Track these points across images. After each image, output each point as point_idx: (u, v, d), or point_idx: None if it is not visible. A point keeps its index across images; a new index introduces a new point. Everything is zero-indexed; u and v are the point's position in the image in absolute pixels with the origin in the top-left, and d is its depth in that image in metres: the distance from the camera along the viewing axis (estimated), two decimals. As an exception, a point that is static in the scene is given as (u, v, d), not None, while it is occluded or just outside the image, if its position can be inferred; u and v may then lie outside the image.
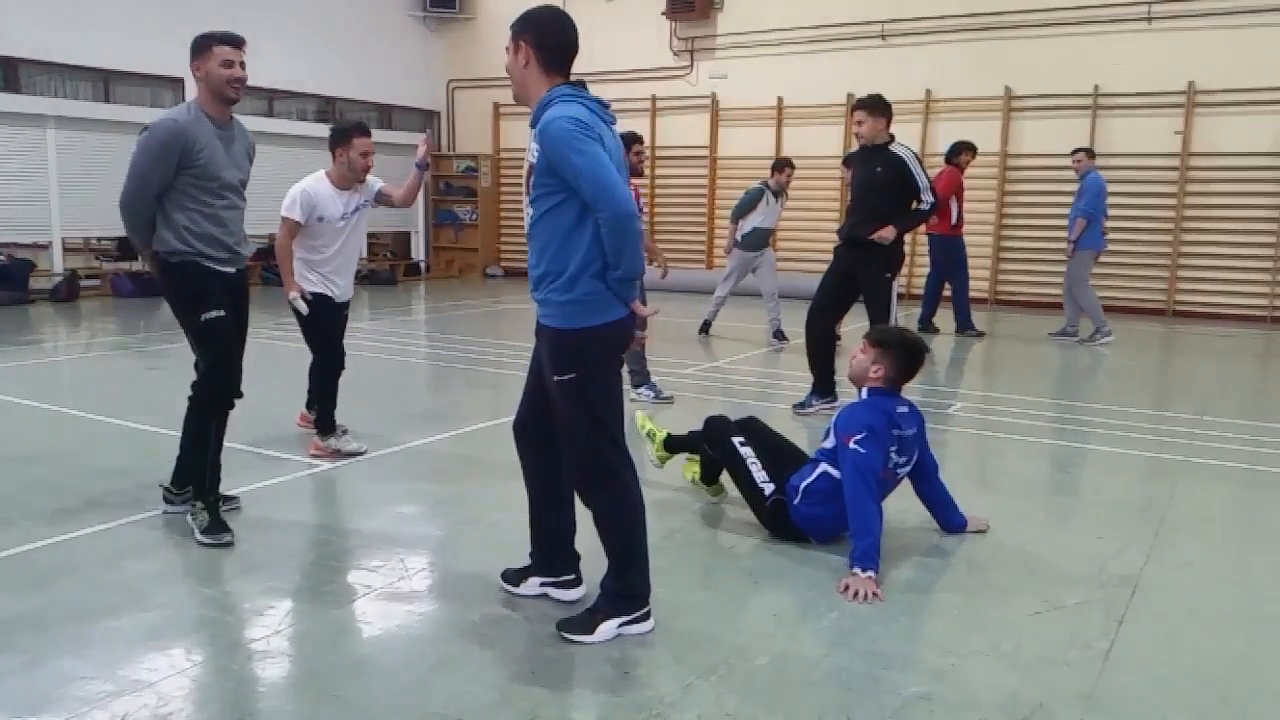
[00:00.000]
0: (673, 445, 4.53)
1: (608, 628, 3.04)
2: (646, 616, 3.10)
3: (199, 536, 3.83)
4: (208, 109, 3.85)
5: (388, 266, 15.31)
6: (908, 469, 3.93)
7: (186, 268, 3.84)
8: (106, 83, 12.60)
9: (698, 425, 4.33)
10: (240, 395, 4.06)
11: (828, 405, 6.18)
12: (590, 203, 2.81)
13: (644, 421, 4.75)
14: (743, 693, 2.74)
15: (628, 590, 3.08)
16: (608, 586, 3.11)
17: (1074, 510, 4.53)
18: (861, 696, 2.73)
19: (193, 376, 4.11)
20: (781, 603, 3.42)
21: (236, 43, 3.84)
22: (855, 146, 6.56)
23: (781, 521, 3.92)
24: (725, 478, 4.27)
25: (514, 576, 3.35)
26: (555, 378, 3.00)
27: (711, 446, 4.19)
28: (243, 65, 3.84)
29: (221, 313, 3.89)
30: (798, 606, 3.38)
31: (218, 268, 3.90)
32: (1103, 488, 4.92)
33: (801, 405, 6.34)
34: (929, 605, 3.41)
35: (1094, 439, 5.84)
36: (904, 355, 3.89)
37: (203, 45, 3.81)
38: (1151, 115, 11.88)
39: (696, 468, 4.42)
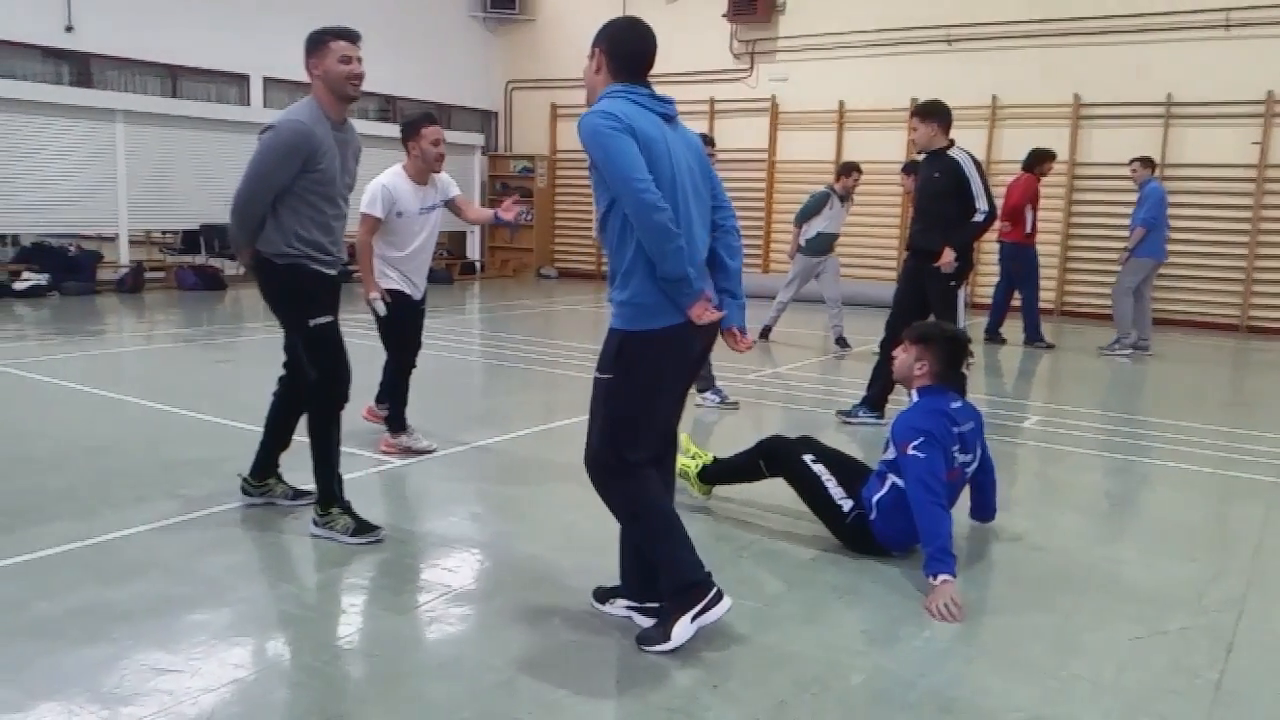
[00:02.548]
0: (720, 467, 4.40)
1: (682, 628, 2.94)
2: (718, 598, 2.96)
3: (348, 540, 3.75)
4: (326, 109, 3.66)
5: (444, 265, 15.38)
6: (975, 465, 3.85)
7: (293, 269, 3.70)
8: (174, 78, 12.82)
9: (757, 434, 4.20)
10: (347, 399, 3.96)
11: (873, 419, 6.10)
12: (614, 196, 2.79)
13: (688, 444, 4.57)
14: (838, 712, 2.65)
15: (679, 584, 2.98)
16: (663, 587, 3.04)
17: (1163, 531, 4.36)
18: (962, 719, 2.63)
19: (275, 370, 4.11)
20: (869, 619, 3.32)
21: (353, 37, 3.65)
22: (918, 154, 6.51)
23: (864, 537, 3.82)
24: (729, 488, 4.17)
25: (603, 595, 3.27)
26: (596, 373, 3.00)
27: (774, 467, 4.07)
28: (360, 60, 3.65)
29: (330, 318, 3.79)
30: (887, 623, 3.27)
31: (323, 270, 3.77)
32: (1190, 508, 4.74)
33: (848, 413, 6.25)
34: (1023, 627, 3.28)
35: (1176, 456, 5.65)
36: (946, 346, 3.81)
37: (319, 41, 3.62)
38: (1227, 125, 11.54)
39: (689, 461, 4.31)
